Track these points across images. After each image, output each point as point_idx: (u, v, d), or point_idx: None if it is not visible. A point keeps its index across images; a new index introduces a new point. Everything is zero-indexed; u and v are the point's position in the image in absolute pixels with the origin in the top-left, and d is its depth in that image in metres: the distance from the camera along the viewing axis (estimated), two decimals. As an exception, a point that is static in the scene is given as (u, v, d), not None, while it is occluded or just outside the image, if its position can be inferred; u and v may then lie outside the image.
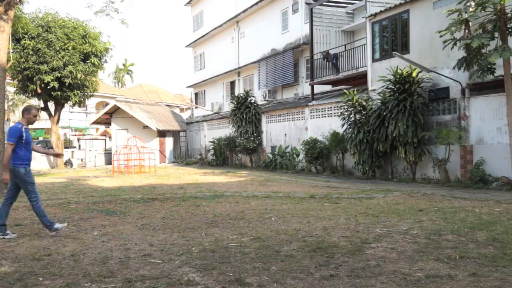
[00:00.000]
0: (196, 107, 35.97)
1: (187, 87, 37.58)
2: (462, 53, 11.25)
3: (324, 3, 19.58)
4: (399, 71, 13.50)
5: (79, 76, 22.62)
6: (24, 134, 6.24)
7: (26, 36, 21.39)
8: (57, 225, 6.32)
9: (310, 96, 20.15)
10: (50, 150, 6.82)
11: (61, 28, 22.36)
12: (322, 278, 4.18)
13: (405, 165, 14.24)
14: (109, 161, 28.70)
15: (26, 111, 6.47)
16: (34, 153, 6.65)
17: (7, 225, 6.41)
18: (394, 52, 13.85)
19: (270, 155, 21.34)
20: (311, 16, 19.77)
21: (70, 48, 22.04)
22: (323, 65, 19.60)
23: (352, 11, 20.48)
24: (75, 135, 35.81)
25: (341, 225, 6.78)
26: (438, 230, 6.22)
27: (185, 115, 40.33)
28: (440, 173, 12.80)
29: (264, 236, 6.07)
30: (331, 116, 17.98)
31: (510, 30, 10.66)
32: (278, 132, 21.56)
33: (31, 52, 21.75)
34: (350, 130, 15.36)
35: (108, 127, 32.29)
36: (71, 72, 22.15)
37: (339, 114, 16.57)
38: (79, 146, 32.21)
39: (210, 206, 9.14)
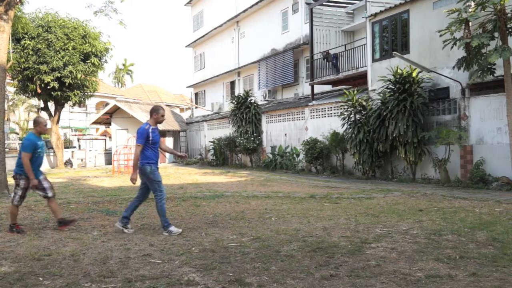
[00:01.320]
0: (196, 107, 35.96)
1: (187, 87, 37.57)
2: (462, 53, 11.26)
3: (324, 3, 19.58)
4: (399, 71, 13.50)
5: (79, 76, 22.62)
6: (150, 134, 6.36)
7: (26, 36, 21.38)
8: (172, 228, 6.37)
9: (310, 96, 20.15)
10: (177, 151, 7.17)
11: (61, 28, 22.36)
12: (322, 278, 4.18)
13: (405, 165, 14.23)
14: (109, 161, 28.71)
15: (155, 111, 6.53)
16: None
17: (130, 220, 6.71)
18: (394, 52, 13.84)
19: (270, 155, 21.34)
20: (311, 16, 19.78)
21: (70, 48, 22.04)
22: (323, 65, 19.60)
23: (352, 11, 20.49)
24: (75, 135, 35.83)
25: (341, 225, 6.78)
26: (438, 230, 6.22)
27: (185, 115, 40.30)
28: (440, 173, 12.80)
29: (264, 236, 6.07)
30: (331, 116, 17.98)
31: (510, 30, 10.66)
32: (278, 132, 21.55)
33: (31, 52, 21.74)
34: (350, 130, 15.36)
35: (108, 127, 32.30)
36: (71, 72, 22.15)
37: (339, 114, 16.58)
38: (79, 146, 32.23)
39: (210, 206, 9.14)
